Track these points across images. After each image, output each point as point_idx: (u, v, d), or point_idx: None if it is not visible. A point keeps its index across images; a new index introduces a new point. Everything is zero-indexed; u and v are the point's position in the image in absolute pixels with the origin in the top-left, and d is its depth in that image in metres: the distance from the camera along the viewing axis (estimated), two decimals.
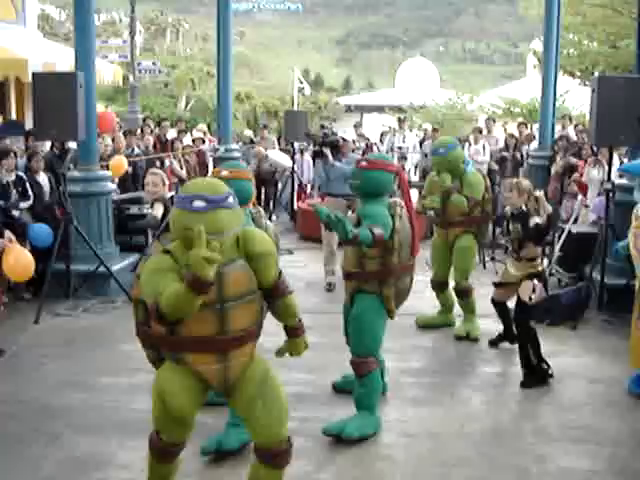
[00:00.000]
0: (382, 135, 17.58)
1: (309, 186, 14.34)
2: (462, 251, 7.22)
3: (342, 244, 4.93)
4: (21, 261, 7.20)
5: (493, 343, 6.84)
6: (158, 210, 6.24)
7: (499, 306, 6.52)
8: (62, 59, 12.30)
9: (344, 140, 9.30)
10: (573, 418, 5.29)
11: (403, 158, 14.20)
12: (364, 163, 5.07)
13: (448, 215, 7.24)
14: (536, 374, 5.90)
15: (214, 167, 13.77)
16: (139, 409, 5.37)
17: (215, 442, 4.65)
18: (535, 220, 5.76)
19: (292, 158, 13.19)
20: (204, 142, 14.59)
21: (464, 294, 7.26)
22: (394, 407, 5.51)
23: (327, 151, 8.82)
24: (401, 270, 5.01)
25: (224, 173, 4.79)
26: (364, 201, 5.01)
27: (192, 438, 4.86)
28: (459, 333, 7.14)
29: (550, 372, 5.94)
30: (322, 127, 15.62)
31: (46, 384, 5.88)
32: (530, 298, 5.87)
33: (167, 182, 6.58)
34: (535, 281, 5.89)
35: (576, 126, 13.88)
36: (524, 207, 5.88)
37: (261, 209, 5.01)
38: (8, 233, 7.25)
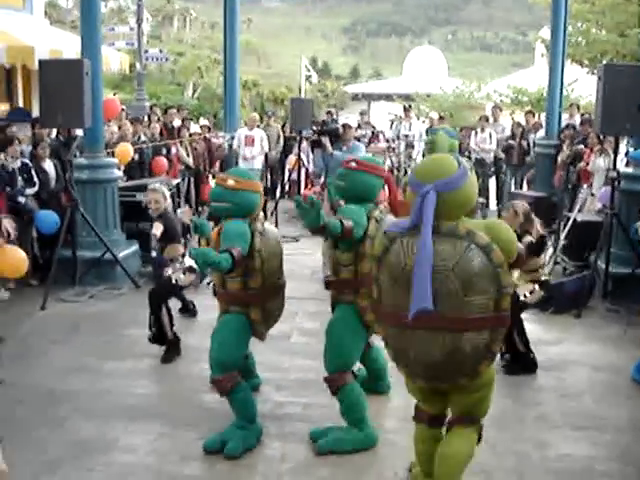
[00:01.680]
0: (392, 123, 17.51)
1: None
2: None
3: (313, 233, 4.43)
4: (13, 259, 7.03)
5: None
6: (158, 229, 6.27)
7: None
8: (69, 46, 12.30)
9: (347, 127, 9.11)
10: (574, 405, 5.32)
11: (410, 146, 14.15)
12: (353, 164, 4.68)
13: None
14: (521, 362, 5.96)
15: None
16: (144, 393, 5.44)
17: (220, 442, 4.61)
18: (528, 239, 5.83)
19: (298, 146, 13.20)
20: (210, 130, 14.59)
21: None
22: (397, 393, 5.53)
23: (326, 140, 8.70)
24: None
25: (230, 182, 4.59)
26: (347, 204, 4.66)
27: (197, 423, 4.95)
28: None
29: (535, 361, 6.00)
30: (329, 113, 15.59)
31: (52, 369, 5.93)
32: (525, 295, 5.95)
33: (168, 197, 6.60)
34: (536, 286, 6.02)
35: (582, 115, 13.83)
36: (517, 230, 5.74)
37: (261, 214, 4.83)
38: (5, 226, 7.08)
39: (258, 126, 14.09)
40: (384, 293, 3.70)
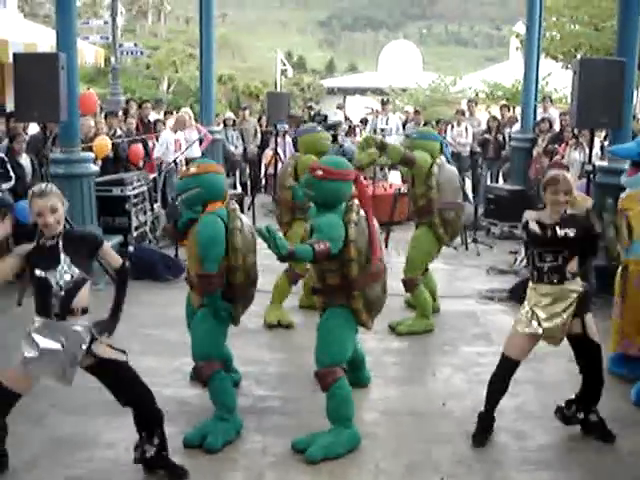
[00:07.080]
0: (365, 119, 17.53)
1: None
2: (412, 242, 7.07)
3: (282, 262, 4.32)
4: None
5: None
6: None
7: None
8: (43, 40, 12.21)
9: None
10: (553, 396, 5.35)
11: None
12: (319, 172, 4.55)
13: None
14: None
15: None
16: None
17: (199, 436, 4.63)
18: None
19: (275, 141, 13.19)
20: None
21: (407, 286, 6.99)
22: (377, 386, 5.57)
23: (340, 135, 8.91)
24: (367, 280, 4.59)
25: (192, 170, 4.76)
26: (318, 210, 4.65)
27: (175, 418, 4.93)
28: (400, 330, 6.82)
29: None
30: (309, 108, 15.57)
31: None
32: None
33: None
34: None
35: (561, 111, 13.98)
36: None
37: (237, 206, 4.86)
38: None
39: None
40: None
